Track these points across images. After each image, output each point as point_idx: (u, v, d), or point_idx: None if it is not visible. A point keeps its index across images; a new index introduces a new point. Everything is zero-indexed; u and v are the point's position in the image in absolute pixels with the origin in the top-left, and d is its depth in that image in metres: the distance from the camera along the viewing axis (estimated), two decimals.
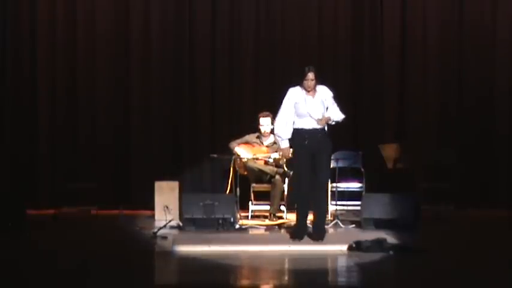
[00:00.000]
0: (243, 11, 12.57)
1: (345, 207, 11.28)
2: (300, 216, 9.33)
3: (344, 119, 9.38)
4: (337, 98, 9.49)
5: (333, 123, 9.31)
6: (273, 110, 10.86)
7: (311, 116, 9.17)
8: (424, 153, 12.27)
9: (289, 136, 9.34)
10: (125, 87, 12.46)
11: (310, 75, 9.25)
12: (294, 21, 12.58)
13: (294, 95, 9.30)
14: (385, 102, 12.56)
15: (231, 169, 10.87)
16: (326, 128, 9.33)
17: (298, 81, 9.35)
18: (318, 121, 9.19)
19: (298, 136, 9.25)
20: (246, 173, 11.06)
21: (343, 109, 9.44)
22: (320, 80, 9.36)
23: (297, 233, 9.30)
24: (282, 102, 9.38)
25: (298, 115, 9.26)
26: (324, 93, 9.34)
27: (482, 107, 12.47)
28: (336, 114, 9.31)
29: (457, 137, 12.42)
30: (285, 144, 9.45)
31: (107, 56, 12.44)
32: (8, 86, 12.30)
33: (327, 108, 9.29)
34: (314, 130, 9.22)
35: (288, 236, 9.68)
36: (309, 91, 9.27)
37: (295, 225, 9.53)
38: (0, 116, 12.26)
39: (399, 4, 12.56)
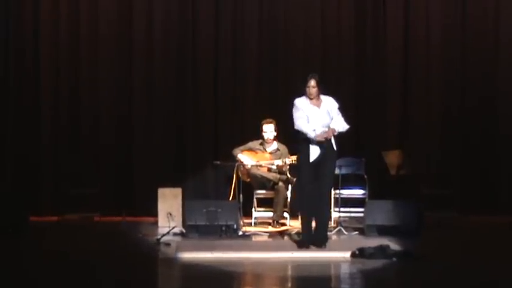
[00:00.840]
0: (246, 12, 12.56)
1: (348, 214, 11.25)
2: (304, 223, 9.33)
3: (349, 128, 9.40)
4: (340, 100, 9.50)
5: (336, 133, 9.33)
6: (276, 114, 10.93)
7: (313, 131, 9.18)
8: (427, 160, 12.28)
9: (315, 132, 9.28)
10: (128, 93, 12.45)
11: (312, 83, 9.26)
12: (297, 22, 12.56)
13: (301, 105, 9.31)
14: (388, 104, 12.53)
15: (234, 176, 10.88)
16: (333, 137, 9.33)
17: (301, 83, 9.39)
18: (324, 133, 9.19)
19: (304, 145, 9.25)
20: (249, 179, 11.07)
21: (346, 113, 9.45)
22: (323, 81, 9.38)
23: (303, 240, 9.30)
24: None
25: None
26: (330, 103, 9.35)
27: (485, 109, 12.45)
28: (341, 125, 9.33)
29: (459, 143, 12.41)
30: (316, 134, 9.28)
31: (109, 57, 12.43)
32: (11, 86, 12.30)
33: (332, 118, 9.30)
34: (321, 140, 9.22)
35: (291, 243, 9.70)
36: (311, 99, 9.28)
37: (301, 232, 9.50)
38: (3, 118, 12.26)
39: (402, 4, 12.56)
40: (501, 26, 12.48)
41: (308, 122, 9.20)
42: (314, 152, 9.18)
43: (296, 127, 9.30)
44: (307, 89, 9.29)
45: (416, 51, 12.58)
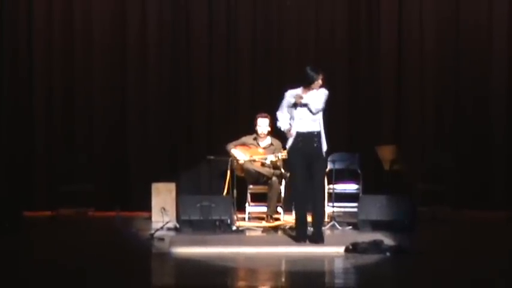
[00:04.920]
0: (240, 12, 12.54)
1: (342, 209, 11.26)
2: (298, 217, 9.32)
3: (317, 110, 9.24)
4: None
5: (305, 103, 9.20)
6: (270, 110, 10.90)
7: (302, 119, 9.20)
8: (421, 155, 12.28)
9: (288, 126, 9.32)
10: (122, 88, 12.46)
11: (321, 77, 9.22)
12: (291, 21, 12.56)
13: (291, 97, 9.30)
14: (382, 104, 12.54)
15: (228, 171, 10.87)
16: (322, 132, 9.30)
17: (296, 84, 9.38)
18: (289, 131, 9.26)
19: (293, 139, 9.25)
20: (243, 174, 11.06)
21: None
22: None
23: (299, 235, 9.29)
24: (280, 103, 9.42)
25: (293, 118, 9.27)
26: (318, 94, 9.29)
27: (478, 109, 12.47)
28: (313, 103, 9.20)
29: (453, 139, 12.43)
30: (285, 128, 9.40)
31: (103, 58, 12.43)
32: (5, 87, 12.29)
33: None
34: (309, 133, 9.22)
35: (285, 237, 9.71)
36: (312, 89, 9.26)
37: (295, 227, 9.48)
38: None
39: (396, 8, 12.55)
40: (495, 26, 12.47)
41: (291, 117, 9.24)
42: (302, 144, 9.20)
43: (276, 115, 9.45)
44: (317, 83, 9.23)
45: (411, 48, 12.56)
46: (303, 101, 9.19)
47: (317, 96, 9.23)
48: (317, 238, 9.18)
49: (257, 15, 12.58)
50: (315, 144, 9.22)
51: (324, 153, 9.32)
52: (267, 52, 12.57)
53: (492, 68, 12.47)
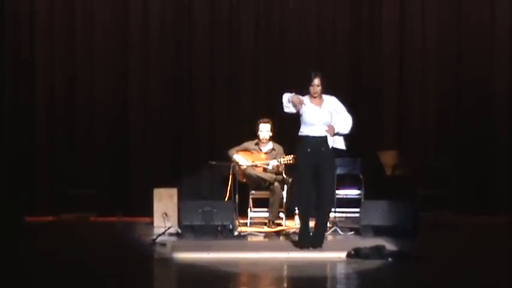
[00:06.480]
0: (242, 13, 12.56)
1: (344, 214, 11.26)
2: (302, 223, 9.29)
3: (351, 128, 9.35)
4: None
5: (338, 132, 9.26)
6: (272, 114, 10.94)
7: (313, 124, 9.15)
8: (423, 160, 12.28)
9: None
10: (123, 88, 12.46)
11: (316, 81, 9.18)
12: (293, 26, 12.59)
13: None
14: (384, 104, 12.55)
15: (230, 176, 10.87)
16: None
17: (303, 81, 9.35)
18: (327, 131, 9.17)
19: (301, 143, 9.21)
20: (245, 180, 11.06)
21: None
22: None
23: (302, 240, 9.24)
24: (284, 113, 9.36)
25: (303, 121, 9.23)
26: (333, 104, 9.28)
27: (480, 110, 12.47)
28: (342, 127, 9.27)
29: (455, 143, 12.43)
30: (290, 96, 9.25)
31: (105, 58, 12.44)
32: (6, 87, 12.29)
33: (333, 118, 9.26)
34: (318, 138, 9.19)
35: (287, 243, 9.71)
36: (315, 97, 9.22)
37: (299, 233, 9.43)
38: None
39: (397, 9, 12.57)
40: (497, 27, 12.48)
41: (305, 122, 9.19)
42: (311, 149, 9.15)
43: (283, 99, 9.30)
44: (312, 88, 9.20)
45: (412, 52, 12.60)
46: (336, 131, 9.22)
47: (339, 115, 9.24)
48: (316, 243, 9.14)
49: (260, 16, 12.59)
50: (323, 149, 9.18)
51: (333, 159, 9.28)
52: (269, 53, 12.57)
53: (494, 71, 12.48)
